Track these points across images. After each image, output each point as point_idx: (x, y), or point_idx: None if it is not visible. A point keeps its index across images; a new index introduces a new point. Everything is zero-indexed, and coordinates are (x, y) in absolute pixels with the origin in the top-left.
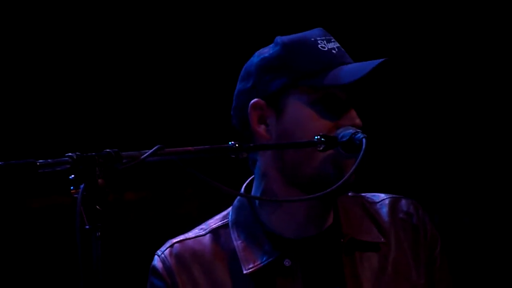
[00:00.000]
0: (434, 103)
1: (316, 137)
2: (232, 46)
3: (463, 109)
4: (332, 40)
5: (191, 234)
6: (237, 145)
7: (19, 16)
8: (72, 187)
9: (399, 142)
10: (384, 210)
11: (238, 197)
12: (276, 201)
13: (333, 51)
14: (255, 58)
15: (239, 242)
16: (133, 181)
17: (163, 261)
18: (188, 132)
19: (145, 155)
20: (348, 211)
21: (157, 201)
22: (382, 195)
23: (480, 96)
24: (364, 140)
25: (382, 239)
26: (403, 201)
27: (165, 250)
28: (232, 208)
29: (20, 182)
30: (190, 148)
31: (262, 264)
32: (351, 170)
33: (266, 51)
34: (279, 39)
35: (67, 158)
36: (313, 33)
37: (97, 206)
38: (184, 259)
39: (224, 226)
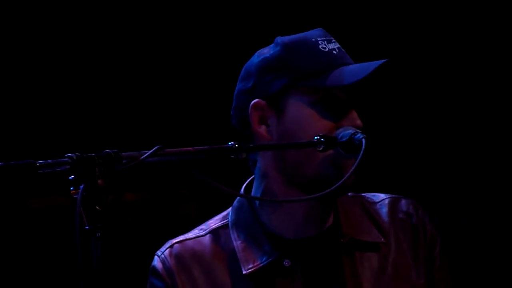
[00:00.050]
0: (433, 104)
1: (315, 138)
2: (232, 46)
3: (462, 110)
4: (333, 40)
5: (191, 234)
6: (236, 145)
7: (19, 16)
8: (71, 188)
9: (398, 143)
10: (384, 210)
11: (238, 198)
12: (276, 201)
13: (334, 52)
14: (255, 58)
15: (238, 242)
16: (132, 181)
17: (163, 262)
18: (187, 133)
19: (144, 155)
20: (348, 211)
21: (156, 201)
22: (382, 195)
23: (478, 96)
24: (363, 140)
25: (382, 239)
26: (403, 201)
27: (165, 250)
28: (232, 209)
29: (20, 182)
30: (189, 148)
31: (261, 265)
32: (350, 170)
33: (266, 51)
34: (279, 39)
35: (66, 159)
36: (314, 34)
37: (97, 207)
38: (184, 259)
39: (224, 227)
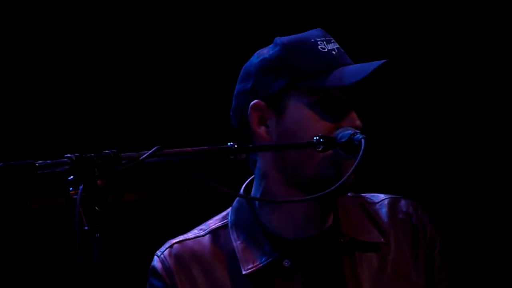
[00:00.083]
0: (432, 104)
1: (315, 138)
2: (232, 46)
3: (461, 110)
4: (332, 41)
5: (190, 234)
6: (236, 146)
7: (19, 16)
8: (71, 188)
9: (397, 143)
10: (384, 211)
11: (238, 198)
12: (275, 202)
13: (333, 52)
14: (255, 58)
15: (238, 242)
16: (132, 182)
17: (162, 262)
18: (187, 133)
19: (144, 156)
20: (348, 211)
21: (156, 202)
22: (382, 196)
23: (477, 97)
24: (363, 140)
25: (382, 239)
26: (403, 202)
27: (164, 250)
28: (232, 209)
29: (20, 183)
30: (189, 149)
31: (261, 265)
32: (350, 171)
33: (265, 52)
34: (278, 39)
35: (66, 159)
36: (313, 34)
37: (96, 207)
38: (183, 259)
39: (224, 227)
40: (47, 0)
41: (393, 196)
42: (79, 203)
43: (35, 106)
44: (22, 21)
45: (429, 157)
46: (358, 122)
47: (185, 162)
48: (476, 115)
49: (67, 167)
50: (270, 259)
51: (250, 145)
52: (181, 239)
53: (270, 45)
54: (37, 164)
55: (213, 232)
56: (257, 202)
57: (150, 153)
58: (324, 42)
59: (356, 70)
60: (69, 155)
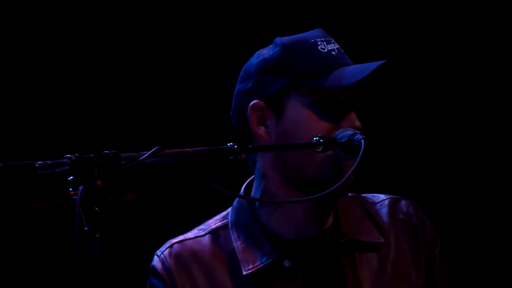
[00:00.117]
0: (431, 104)
1: (314, 138)
2: (231, 47)
3: (460, 110)
4: (332, 41)
5: (190, 234)
6: (235, 146)
7: (19, 16)
8: (71, 189)
9: (397, 143)
10: (384, 211)
11: (238, 198)
12: (275, 202)
13: (333, 53)
14: (255, 59)
15: (238, 243)
16: (131, 182)
17: (162, 262)
18: (186, 134)
19: (143, 156)
20: (348, 212)
21: (155, 202)
22: (382, 196)
23: (477, 97)
24: (362, 141)
25: (382, 240)
26: (403, 202)
27: (164, 250)
28: (232, 209)
29: (20, 183)
30: (188, 149)
31: (261, 265)
32: (350, 171)
33: (265, 52)
34: (278, 40)
35: (65, 160)
36: (313, 34)
37: (96, 208)
38: (183, 259)
39: (224, 227)
40: (47, 0)
41: (393, 196)
42: (78, 203)
43: (35, 106)
44: (22, 21)
45: (429, 157)
46: (357, 123)
47: (185, 163)
48: (475, 115)
49: (67, 167)
50: (270, 259)
51: (250, 146)
52: (181, 239)
53: (270, 46)
54: (37, 165)
55: (213, 232)
56: (257, 202)
57: (150, 153)
58: (324, 43)
59: (356, 71)
60: (69, 155)
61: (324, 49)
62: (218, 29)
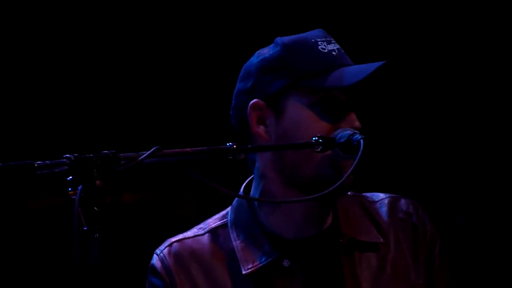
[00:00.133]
0: (431, 105)
1: (313, 138)
2: (231, 47)
3: (459, 110)
4: (333, 41)
5: (189, 233)
6: (234, 146)
7: (19, 16)
8: (70, 189)
9: (396, 143)
10: (384, 210)
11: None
12: (274, 202)
13: (333, 53)
14: (255, 58)
15: (238, 242)
16: (131, 182)
17: (161, 260)
18: (186, 133)
19: (143, 156)
20: (347, 211)
21: (155, 202)
22: (382, 195)
23: (476, 97)
24: (361, 141)
25: (381, 239)
26: (403, 201)
27: (164, 249)
28: (231, 208)
29: (19, 183)
30: (188, 149)
31: (261, 265)
32: (349, 171)
33: (266, 52)
34: (279, 39)
35: (65, 160)
36: (313, 34)
37: (95, 208)
38: (182, 258)
39: (223, 226)
40: (47, 0)
41: (393, 195)
42: (78, 203)
43: (34, 106)
44: (22, 21)
45: (429, 157)
46: (357, 123)
47: (184, 163)
48: (475, 116)
49: (66, 167)
50: (270, 259)
51: (249, 146)
52: (180, 237)
53: (271, 45)
54: (36, 165)
55: (213, 231)
56: (256, 202)
57: (149, 153)
58: (325, 43)
59: (356, 71)
60: (68, 155)
61: (324, 49)
62: (218, 29)
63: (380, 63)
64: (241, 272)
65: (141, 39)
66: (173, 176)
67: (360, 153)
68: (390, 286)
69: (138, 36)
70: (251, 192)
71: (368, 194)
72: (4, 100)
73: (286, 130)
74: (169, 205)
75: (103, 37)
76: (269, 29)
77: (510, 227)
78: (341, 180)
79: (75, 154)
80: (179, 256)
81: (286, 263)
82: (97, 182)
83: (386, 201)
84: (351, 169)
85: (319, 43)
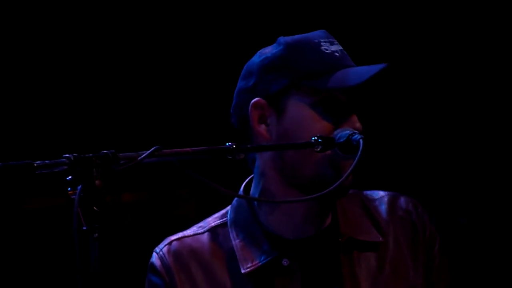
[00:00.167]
0: (430, 105)
1: (313, 138)
2: (232, 46)
3: (459, 111)
4: (335, 42)
5: (189, 232)
6: (234, 146)
7: (19, 16)
8: (69, 188)
9: (396, 143)
10: (383, 208)
11: None
12: (274, 202)
13: (336, 54)
14: (257, 57)
15: (237, 241)
16: (130, 182)
17: (161, 259)
18: (185, 133)
19: (142, 156)
20: (347, 211)
21: (154, 202)
22: (381, 192)
23: (476, 97)
24: (361, 141)
25: (381, 239)
26: (402, 199)
27: (163, 247)
28: (231, 207)
29: (18, 183)
30: (187, 149)
31: (260, 264)
32: (348, 171)
33: (268, 51)
34: (282, 39)
35: (64, 159)
36: (316, 35)
37: (95, 207)
38: (182, 256)
39: (223, 225)
40: (47, 0)
41: (393, 193)
42: (77, 203)
43: (34, 106)
44: (22, 21)
45: (428, 157)
46: (358, 125)
47: (184, 162)
48: (475, 116)
49: (65, 167)
50: (269, 258)
51: (249, 145)
52: (179, 236)
53: (273, 44)
54: (35, 164)
55: (212, 230)
56: (256, 202)
57: (149, 153)
58: (328, 44)
59: (358, 72)
60: (67, 155)
61: (327, 49)
62: (219, 29)
63: (383, 65)
64: (240, 271)
65: (141, 39)
66: (172, 176)
67: (359, 153)
68: (389, 286)
69: (138, 36)
70: (251, 192)
71: (367, 192)
72: (4, 100)
73: (287, 129)
74: (168, 205)
75: (103, 37)
76: (270, 28)
77: (510, 227)
78: (341, 180)
79: (74, 154)
80: (178, 255)
81: (285, 262)
82: (97, 182)
83: (385, 198)
84: (350, 169)
85: (322, 43)
